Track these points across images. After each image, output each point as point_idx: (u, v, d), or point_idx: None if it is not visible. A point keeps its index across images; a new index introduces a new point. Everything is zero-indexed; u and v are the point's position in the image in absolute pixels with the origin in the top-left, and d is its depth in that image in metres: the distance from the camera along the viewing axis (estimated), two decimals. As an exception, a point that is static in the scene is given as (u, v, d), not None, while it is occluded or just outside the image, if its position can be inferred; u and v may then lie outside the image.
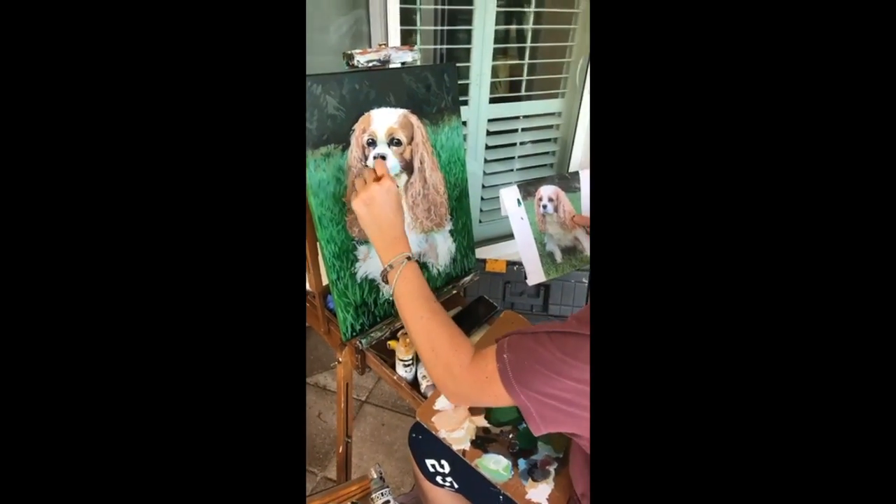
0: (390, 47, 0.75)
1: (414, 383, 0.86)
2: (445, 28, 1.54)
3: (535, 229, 0.79)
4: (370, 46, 1.26)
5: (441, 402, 0.79)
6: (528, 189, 0.79)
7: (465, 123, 1.56)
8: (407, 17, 1.34)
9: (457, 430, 0.76)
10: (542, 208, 0.79)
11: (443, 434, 0.75)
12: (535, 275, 0.80)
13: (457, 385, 0.57)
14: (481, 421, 0.77)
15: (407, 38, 1.37)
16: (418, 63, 0.82)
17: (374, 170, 0.66)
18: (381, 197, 0.62)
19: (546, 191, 0.80)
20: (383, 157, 0.77)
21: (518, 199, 0.78)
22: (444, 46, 1.67)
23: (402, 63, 0.79)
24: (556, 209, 0.80)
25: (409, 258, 0.62)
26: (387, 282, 0.62)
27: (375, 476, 0.78)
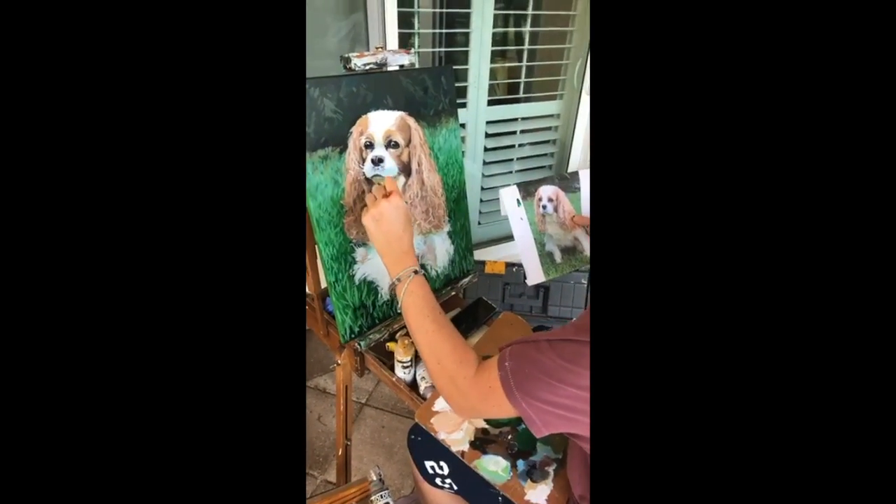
0: (387, 50, 0.76)
1: (413, 385, 0.86)
2: (444, 31, 1.54)
3: (534, 229, 0.80)
4: (368, 50, 1.27)
5: (440, 404, 0.79)
6: (527, 189, 0.79)
7: (463, 126, 1.56)
8: (405, 21, 1.34)
9: (455, 432, 0.76)
10: (541, 208, 0.80)
11: (441, 435, 0.75)
12: (535, 275, 0.80)
13: (463, 397, 0.58)
14: (480, 422, 0.77)
15: (406, 42, 1.38)
16: (416, 66, 0.82)
17: (385, 186, 0.67)
18: (390, 213, 0.64)
19: (546, 191, 0.80)
20: (381, 160, 0.78)
21: (518, 200, 0.79)
22: (443, 49, 1.68)
23: (400, 66, 0.80)
24: (555, 209, 0.80)
25: (416, 272, 0.64)
26: (394, 295, 0.64)
27: (375, 478, 0.78)
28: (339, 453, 0.97)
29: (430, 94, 0.84)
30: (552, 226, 0.81)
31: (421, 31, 1.40)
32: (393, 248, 0.65)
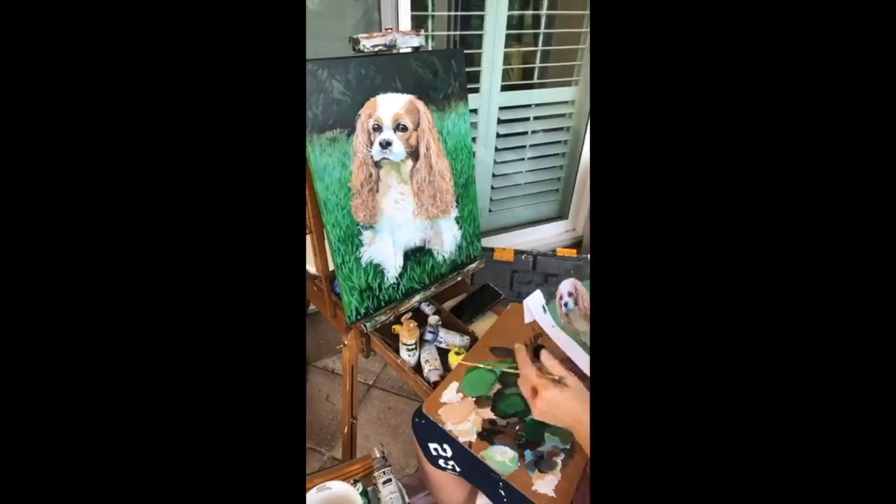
0: (397, 32, 0.75)
1: (417, 367, 0.87)
2: (458, 14, 1.52)
3: (568, 332, 0.77)
4: (381, 32, 1.26)
5: (448, 395, 0.79)
6: (549, 291, 0.77)
7: (475, 111, 1.55)
8: (420, 3, 1.33)
9: (463, 423, 0.76)
10: (563, 307, 0.77)
11: (449, 426, 0.75)
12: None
13: None
14: (487, 413, 0.78)
15: (422, 24, 1.36)
16: (429, 48, 0.82)
17: (526, 383, 0.65)
18: (557, 405, 0.62)
19: (564, 287, 0.77)
20: (389, 143, 0.78)
21: (543, 307, 0.76)
22: (458, 33, 1.65)
23: (413, 48, 0.79)
24: (576, 302, 0.78)
25: None
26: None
27: (378, 455, 0.80)
28: (345, 431, 1.00)
29: (440, 77, 0.83)
30: (578, 321, 0.78)
31: (435, 13, 1.39)
32: (583, 425, 0.61)
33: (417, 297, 0.90)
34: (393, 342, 0.90)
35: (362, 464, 0.83)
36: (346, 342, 0.91)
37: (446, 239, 0.93)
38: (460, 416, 0.77)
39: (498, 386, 0.81)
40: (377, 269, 0.83)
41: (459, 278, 0.97)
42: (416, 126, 0.81)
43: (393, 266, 0.85)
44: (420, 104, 0.81)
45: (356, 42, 0.72)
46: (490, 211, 1.79)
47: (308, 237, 0.85)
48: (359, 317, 0.82)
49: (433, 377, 0.83)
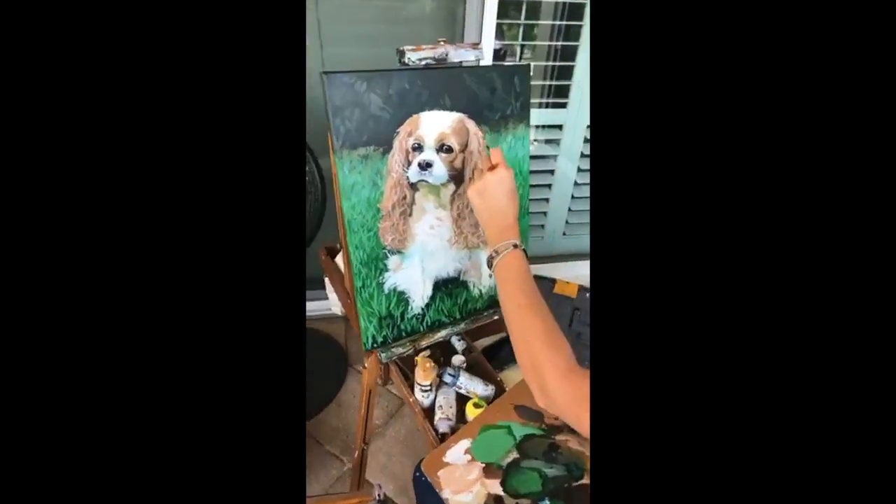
0: (448, 44, 0.68)
1: (429, 410, 0.79)
2: (555, 23, 1.40)
3: None
4: (464, 41, 1.20)
5: (453, 455, 0.70)
6: None
7: (560, 127, 1.43)
8: (510, 11, 1.24)
9: (464, 493, 0.66)
10: None
11: (447, 493, 0.66)
12: None
13: (543, 385, 0.53)
14: (495, 486, 0.67)
15: (505, 32, 1.28)
16: (518, 60, 0.73)
17: (490, 158, 0.67)
18: (493, 186, 0.64)
19: None
20: (429, 165, 0.71)
21: None
22: (560, 43, 1.53)
23: (477, 61, 0.71)
24: None
25: (515, 245, 0.63)
26: (490, 267, 0.64)
27: (376, 497, 0.74)
28: (356, 456, 0.96)
29: (498, 95, 0.74)
30: None
31: (526, 22, 1.29)
32: (495, 220, 0.64)
33: (444, 332, 0.82)
34: (413, 374, 0.84)
35: (359, 499, 0.78)
36: (366, 365, 0.86)
37: (485, 272, 0.83)
38: (463, 483, 0.67)
39: (514, 455, 0.70)
40: (401, 297, 0.77)
41: (497, 317, 0.88)
42: (464, 148, 0.73)
43: (419, 295, 0.78)
44: (471, 124, 0.73)
45: (402, 54, 0.66)
46: (564, 234, 1.65)
47: (340, 254, 0.82)
48: (375, 345, 0.77)
49: (442, 427, 0.75)
